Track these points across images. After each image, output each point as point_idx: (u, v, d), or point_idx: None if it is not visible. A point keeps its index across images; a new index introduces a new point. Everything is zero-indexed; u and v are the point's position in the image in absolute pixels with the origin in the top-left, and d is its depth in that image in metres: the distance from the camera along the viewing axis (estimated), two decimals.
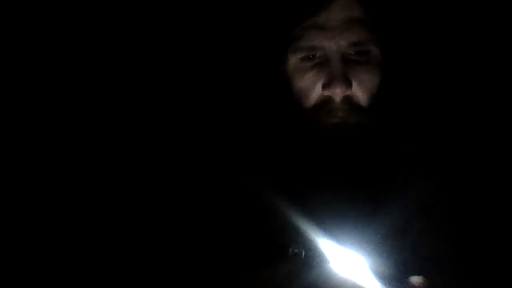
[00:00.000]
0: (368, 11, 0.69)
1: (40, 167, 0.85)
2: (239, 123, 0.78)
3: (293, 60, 0.71)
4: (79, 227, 0.80)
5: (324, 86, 0.69)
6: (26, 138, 0.86)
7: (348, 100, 0.69)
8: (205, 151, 0.77)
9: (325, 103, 0.70)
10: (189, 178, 0.75)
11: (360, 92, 0.69)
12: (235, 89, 0.80)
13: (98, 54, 0.88)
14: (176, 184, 0.76)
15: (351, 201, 0.68)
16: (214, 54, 0.84)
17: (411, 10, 0.74)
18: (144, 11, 0.87)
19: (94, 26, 0.88)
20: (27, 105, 0.87)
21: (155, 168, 0.79)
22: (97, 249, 0.78)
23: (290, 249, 0.58)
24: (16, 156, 0.85)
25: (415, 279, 0.55)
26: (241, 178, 0.73)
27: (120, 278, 0.74)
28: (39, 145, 0.85)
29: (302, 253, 0.57)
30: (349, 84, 0.68)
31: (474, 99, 0.77)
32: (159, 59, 0.87)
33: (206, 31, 0.85)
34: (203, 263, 0.69)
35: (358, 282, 0.56)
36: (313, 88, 0.70)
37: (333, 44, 0.68)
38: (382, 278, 0.57)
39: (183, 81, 0.86)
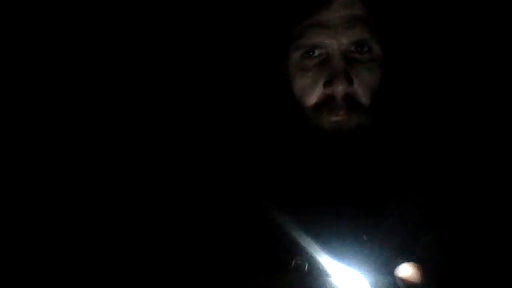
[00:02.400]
0: (369, 10, 0.68)
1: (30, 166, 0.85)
2: (239, 123, 0.78)
3: (295, 58, 0.71)
4: (76, 227, 0.80)
5: (326, 84, 0.69)
6: (21, 138, 0.86)
7: (350, 98, 0.68)
8: (204, 154, 0.77)
9: (326, 101, 0.69)
10: (187, 183, 0.75)
11: (361, 90, 0.69)
12: (236, 88, 0.80)
13: (101, 55, 0.88)
14: (173, 189, 0.76)
15: (352, 207, 0.67)
16: (215, 53, 0.84)
17: (413, 8, 0.74)
18: (146, 10, 0.87)
19: (94, 26, 0.88)
20: (27, 105, 0.87)
21: (153, 174, 0.79)
22: (96, 251, 0.78)
23: (293, 261, 0.57)
24: (16, 156, 0.85)
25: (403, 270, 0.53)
26: (240, 183, 0.73)
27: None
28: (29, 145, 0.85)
29: (305, 266, 0.56)
30: (350, 82, 0.68)
31: (476, 98, 0.77)
32: (159, 59, 0.87)
33: (208, 30, 0.85)
34: (202, 273, 0.69)
35: None
36: (315, 86, 0.70)
37: (334, 42, 0.68)
38: None
39: (183, 80, 0.86)
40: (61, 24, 0.87)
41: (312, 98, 0.70)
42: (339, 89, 0.67)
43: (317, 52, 0.69)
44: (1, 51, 0.86)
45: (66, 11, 0.87)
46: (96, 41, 0.88)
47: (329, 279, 0.55)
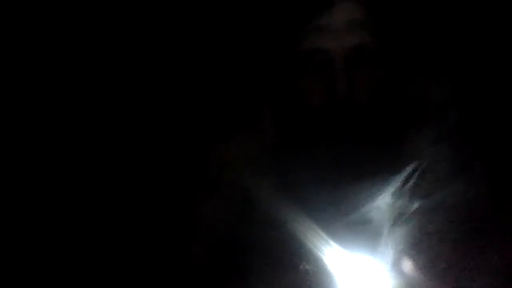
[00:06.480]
0: (370, 14, 0.70)
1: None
2: (242, 121, 0.78)
3: (297, 62, 0.72)
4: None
5: (327, 88, 0.70)
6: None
7: (351, 101, 0.69)
8: (206, 148, 0.78)
9: (328, 104, 0.70)
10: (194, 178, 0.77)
11: (362, 94, 0.70)
12: (242, 90, 0.80)
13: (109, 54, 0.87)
14: (178, 185, 0.77)
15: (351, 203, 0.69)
16: (220, 57, 0.84)
17: (413, 12, 0.75)
18: (158, 18, 0.87)
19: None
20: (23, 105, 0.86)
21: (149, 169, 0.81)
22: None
23: (301, 266, 0.57)
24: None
25: None
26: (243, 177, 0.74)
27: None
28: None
29: (313, 271, 0.56)
30: (352, 86, 0.69)
31: (477, 100, 0.77)
32: (160, 59, 0.87)
33: (213, 35, 0.85)
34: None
35: None
36: (316, 90, 0.71)
37: (336, 46, 0.69)
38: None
39: (189, 80, 0.86)
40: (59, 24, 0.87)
41: (314, 101, 0.71)
42: (341, 92, 0.68)
43: (319, 56, 0.70)
44: (1, 51, 0.86)
45: (65, 11, 0.87)
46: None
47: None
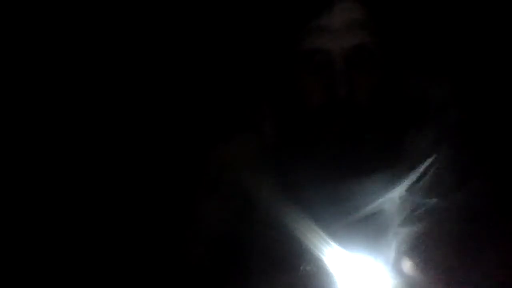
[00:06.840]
0: (370, 14, 0.70)
1: None
2: (242, 121, 0.79)
3: (297, 62, 0.72)
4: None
5: (327, 88, 0.70)
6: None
7: (351, 102, 0.69)
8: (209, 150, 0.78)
9: (328, 104, 0.70)
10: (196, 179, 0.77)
11: (362, 94, 0.70)
12: (242, 90, 0.81)
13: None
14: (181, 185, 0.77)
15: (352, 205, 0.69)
16: (220, 57, 0.85)
17: (413, 12, 0.75)
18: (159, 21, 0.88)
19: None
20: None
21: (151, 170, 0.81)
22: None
23: (301, 267, 0.58)
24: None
25: None
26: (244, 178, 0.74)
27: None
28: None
29: (312, 271, 0.57)
30: (351, 86, 0.68)
31: (477, 100, 0.77)
32: (166, 60, 0.88)
33: (213, 35, 0.85)
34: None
35: None
36: (316, 90, 0.71)
37: (336, 46, 0.69)
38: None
39: (187, 81, 0.87)
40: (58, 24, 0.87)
41: (314, 101, 0.71)
42: (340, 93, 0.68)
43: (318, 56, 0.70)
44: (1, 51, 0.86)
45: (65, 11, 0.87)
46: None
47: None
